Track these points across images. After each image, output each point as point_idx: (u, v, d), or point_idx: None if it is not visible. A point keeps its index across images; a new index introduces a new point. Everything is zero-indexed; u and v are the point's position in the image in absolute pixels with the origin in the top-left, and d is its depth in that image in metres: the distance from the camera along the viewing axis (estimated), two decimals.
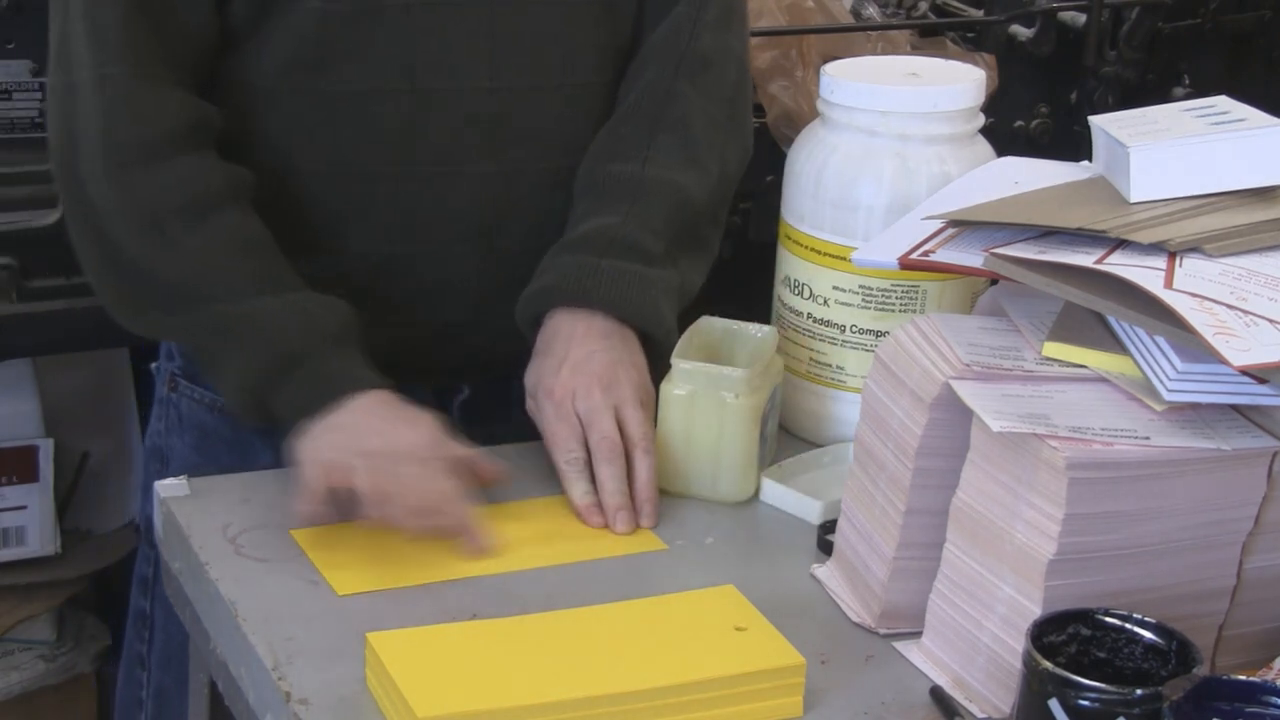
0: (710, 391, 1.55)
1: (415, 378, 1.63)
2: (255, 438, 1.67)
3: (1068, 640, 1.22)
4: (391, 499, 1.46)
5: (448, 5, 1.61)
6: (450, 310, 1.68)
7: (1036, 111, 2.64)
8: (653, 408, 1.57)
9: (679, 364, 1.56)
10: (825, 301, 1.65)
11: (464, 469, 1.50)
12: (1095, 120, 1.52)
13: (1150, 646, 1.22)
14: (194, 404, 1.75)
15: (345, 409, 1.51)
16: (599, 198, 1.66)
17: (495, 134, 1.65)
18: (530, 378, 1.59)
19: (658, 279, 1.62)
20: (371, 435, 1.49)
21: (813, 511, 1.54)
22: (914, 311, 1.62)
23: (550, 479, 1.56)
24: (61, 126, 1.59)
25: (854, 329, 1.64)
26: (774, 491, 1.58)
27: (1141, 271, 1.30)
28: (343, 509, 1.48)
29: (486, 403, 1.72)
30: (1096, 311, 1.33)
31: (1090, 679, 1.16)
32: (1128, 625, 1.22)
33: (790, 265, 1.68)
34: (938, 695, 1.32)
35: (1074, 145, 2.34)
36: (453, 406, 1.73)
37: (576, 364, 1.56)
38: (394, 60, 1.61)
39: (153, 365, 1.81)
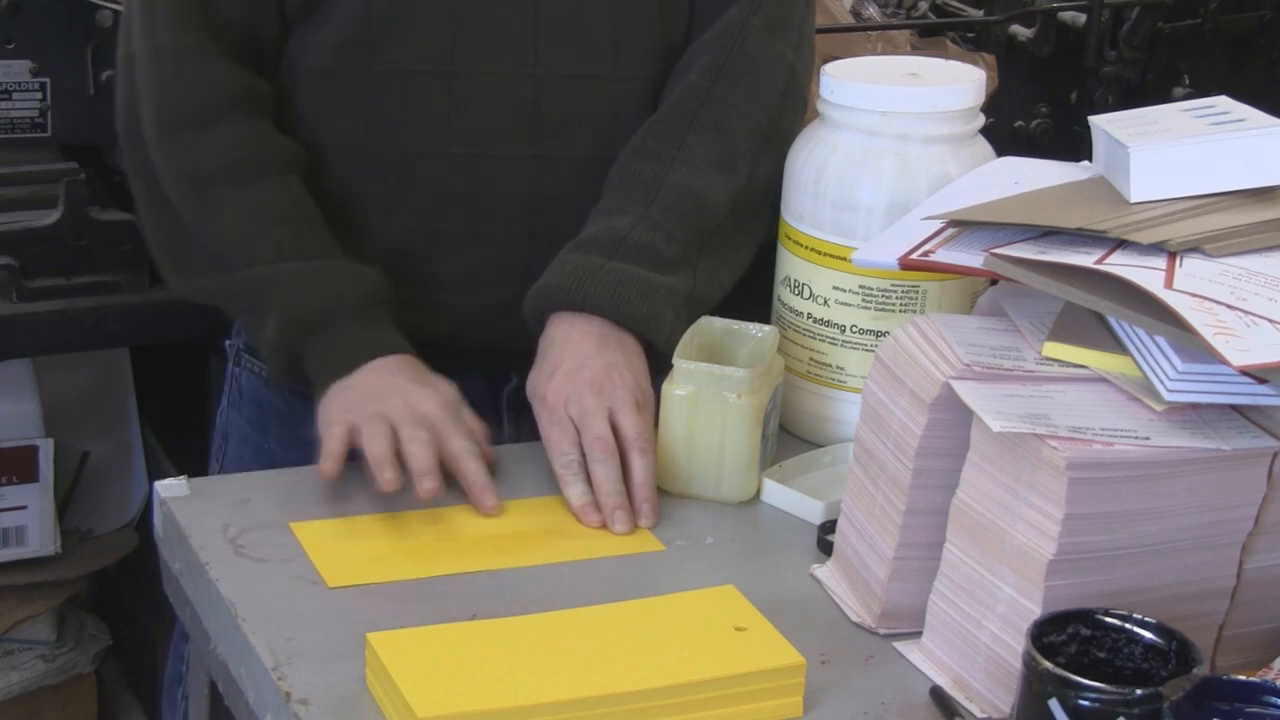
0: (713, 391, 1.55)
1: (463, 364, 1.67)
2: (305, 412, 1.71)
3: (1068, 640, 1.22)
4: (397, 461, 1.49)
5: None
6: (492, 293, 1.70)
7: (1036, 111, 2.64)
8: (650, 410, 1.57)
9: (680, 364, 1.56)
10: (825, 301, 1.65)
11: (475, 436, 1.54)
12: (1095, 120, 1.51)
13: (1150, 646, 1.22)
14: (252, 377, 1.80)
15: (365, 371, 1.56)
16: (619, 196, 1.67)
17: (535, 119, 1.67)
18: (528, 385, 1.60)
19: (663, 285, 1.62)
20: (386, 396, 1.54)
21: (815, 512, 1.54)
22: (914, 311, 1.62)
23: (551, 479, 1.56)
24: (126, 95, 1.69)
25: (854, 329, 1.64)
26: (775, 492, 1.58)
27: (1141, 271, 1.30)
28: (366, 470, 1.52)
29: None
30: (1096, 311, 1.33)
31: (1090, 679, 1.16)
32: (1128, 625, 1.22)
33: (790, 265, 1.68)
34: (938, 695, 1.32)
35: (1074, 145, 2.34)
36: (502, 395, 1.76)
37: (569, 371, 1.57)
38: (436, 41, 1.65)
39: (225, 342, 1.86)
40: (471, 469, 1.52)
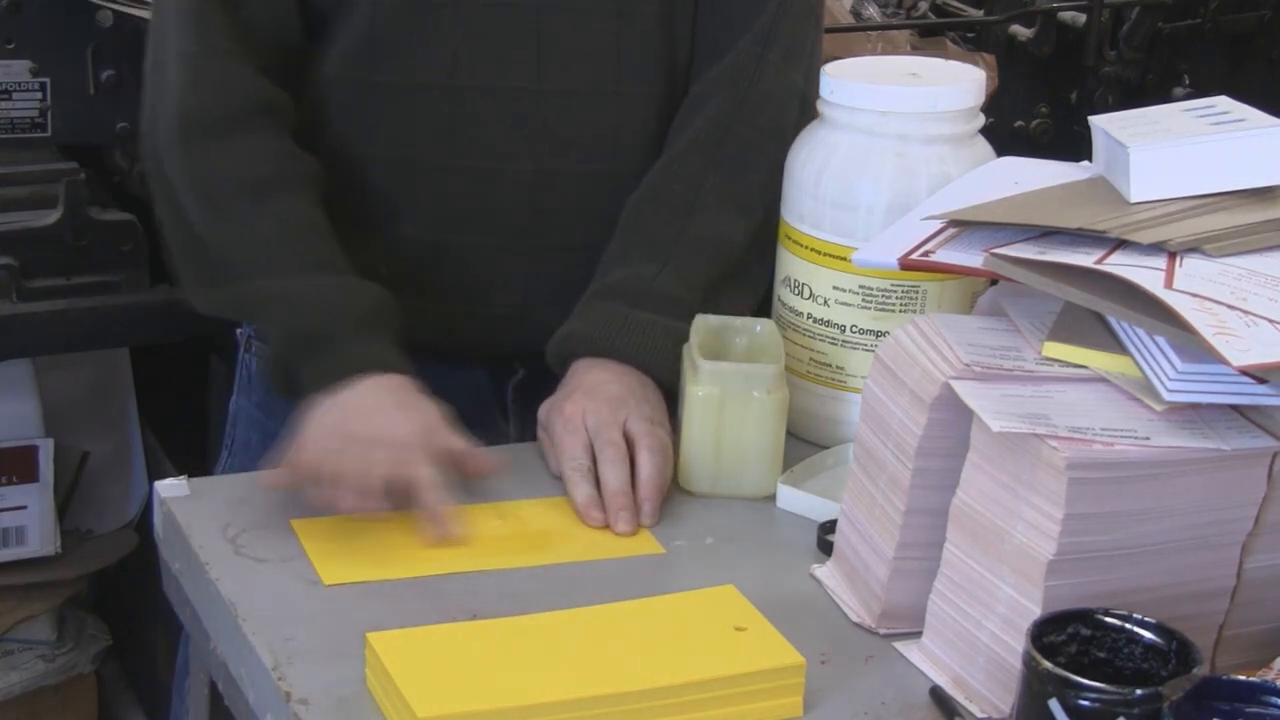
0: (740, 389, 1.55)
1: (467, 361, 1.69)
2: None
3: (1068, 640, 1.22)
4: (330, 481, 1.47)
5: (495, 6, 1.65)
6: (497, 302, 1.72)
7: (1036, 111, 2.64)
8: (667, 433, 1.58)
9: (704, 364, 1.56)
10: (825, 302, 1.65)
11: (452, 461, 1.51)
12: (1095, 120, 1.51)
13: (1150, 646, 1.22)
14: (263, 362, 1.79)
15: (353, 389, 1.53)
16: (643, 241, 1.68)
17: (537, 135, 1.68)
18: (543, 408, 1.61)
19: (686, 333, 1.62)
20: (361, 418, 1.51)
21: (832, 516, 1.53)
22: (914, 311, 1.62)
23: (551, 480, 1.57)
24: (150, 103, 1.68)
25: (854, 329, 1.64)
26: (790, 497, 1.58)
27: (1141, 271, 1.30)
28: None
29: (542, 384, 1.74)
30: (1096, 311, 1.33)
31: (1090, 679, 1.16)
32: (1128, 625, 1.22)
33: (790, 265, 1.68)
34: (938, 695, 1.32)
35: (1074, 145, 2.34)
36: (507, 387, 1.77)
37: (589, 389, 1.58)
38: (439, 57, 1.66)
39: (237, 331, 1.87)
40: (427, 499, 1.47)
